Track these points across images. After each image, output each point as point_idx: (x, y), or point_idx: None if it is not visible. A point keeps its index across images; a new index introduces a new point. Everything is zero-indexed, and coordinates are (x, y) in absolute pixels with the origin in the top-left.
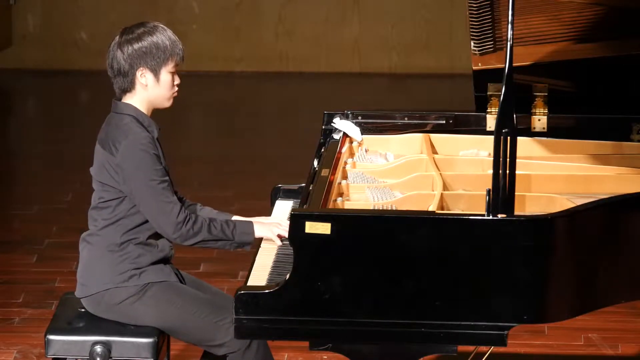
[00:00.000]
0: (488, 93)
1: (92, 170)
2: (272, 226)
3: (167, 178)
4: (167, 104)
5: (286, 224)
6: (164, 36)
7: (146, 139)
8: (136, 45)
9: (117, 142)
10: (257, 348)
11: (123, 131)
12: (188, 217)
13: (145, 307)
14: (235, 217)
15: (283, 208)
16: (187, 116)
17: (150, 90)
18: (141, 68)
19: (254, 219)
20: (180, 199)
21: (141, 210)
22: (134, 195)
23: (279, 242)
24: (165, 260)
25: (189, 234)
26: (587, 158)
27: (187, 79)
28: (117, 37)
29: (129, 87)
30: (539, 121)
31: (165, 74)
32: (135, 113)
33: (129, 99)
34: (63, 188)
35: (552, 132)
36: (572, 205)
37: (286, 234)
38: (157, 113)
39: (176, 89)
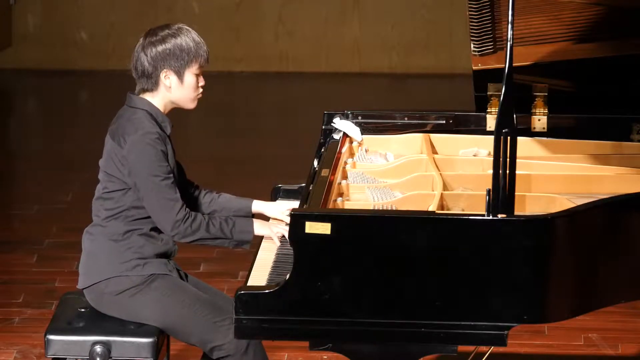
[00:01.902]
0: (488, 93)
1: (100, 161)
2: (273, 225)
3: (171, 175)
4: (192, 105)
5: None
6: (188, 38)
7: (155, 134)
8: (160, 48)
9: (126, 134)
10: (253, 353)
11: (133, 124)
12: (187, 215)
13: (147, 300)
14: (255, 202)
15: None
16: (187, 116)
17: (174, 92)
18: (165, 70)
19: (260, 204)
20: (196, 188)
21: (144, 204)
22: (138, 189)
23: (278, 243)
24: (168, 255)
25: (186, 232)
26: (587, 158)
27: None
28: (142, 39)
29: (153, 88)
30: (539, 121)
31: (190, 75)
32: (149, 108)
33: (149, 96)
34: (63, 188)
35: (552, 132)
36: (572, 205)
37: (286, 233)
38: None
39: (201, 90)
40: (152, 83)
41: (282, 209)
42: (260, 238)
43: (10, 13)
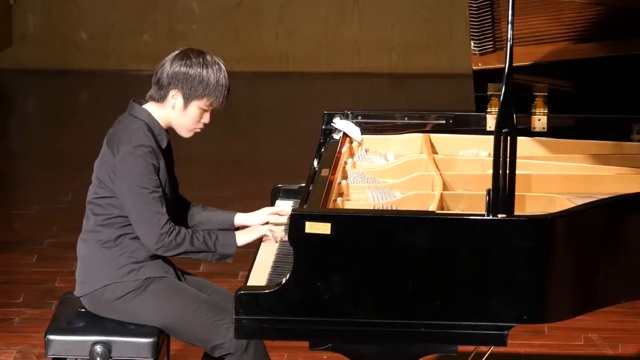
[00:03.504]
0: (488, 93)
1: (96, 162)
2: (254, 229)
3: (159, 189)
4: (186, 135)
5: (271, 222)
6: (214, 74)
7: (148, 148)
8: (184, 69)
9: (121, 144)
10: (254, 352)
11: (128, 135)
12: (172, 229)
13: (144, 303)
14: (238, 216)
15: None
16: None
17: (175, 114)
18: (176, 90)
19: (243, 217)
20: (185, 201)
21: (128, 216)
22: (124, 200)
23: (273, 239)
24: (163, 257)
25: (170, 245)
26: (587, 158)
27: None
28: (178, 51)
29: (160, 100)
30: (539, 121)
31: (195, 107)
32: (148, 119)
33: (152, 107)
34: (63, 188)
35: (552, 132)
36: (572, 205)
37: (270, 234)
38: None
39: (201, 126)
40: (161, 95)
41: (263, 217)
42: (260, 239)
43: (10, 13)
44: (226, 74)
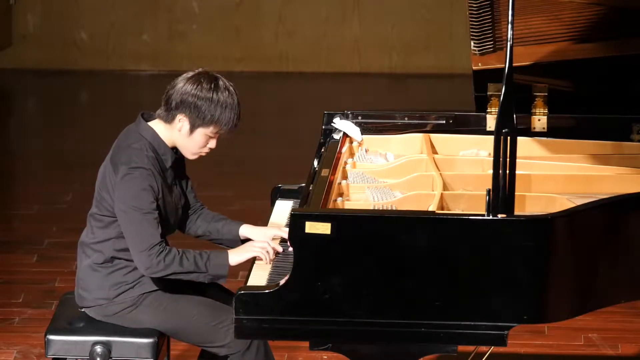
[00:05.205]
0: (488, 93)
1: (99, 173)
2: (248, 248)
3: (155, 212)
4: (190, 157)
5: (265, 239)
6: (224, 102)
7: (147, 170)
8: (194, 92)
9: (121, 163)
10: (257, 349)
11: (129, 155)
12: (161, 250)
13: (142, 316)
14: (243, 227)
15: (283, 208)
16: None
17: (181, 138)
18: (183, 115)
19: (247, 229)
20: (199, 206)
21: (124, 234)
22: (120, 219)
23: (266, 262)
24: None
25: (158, 266)
26: (587, 158)
27: None
28: (191, 74)
29: (168, 120)
30: (539, 121)
31: (201, 134)
32: (152, 139)
33: (159, 126)
34: (63, 188)
35: (552, 132)
36: (572, 205)
37: (263, 256)
38: None
39: (207, 150)
40: (169, 117)
41: (268, 234)
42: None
43: (10, 13)
44: (237, 101)
